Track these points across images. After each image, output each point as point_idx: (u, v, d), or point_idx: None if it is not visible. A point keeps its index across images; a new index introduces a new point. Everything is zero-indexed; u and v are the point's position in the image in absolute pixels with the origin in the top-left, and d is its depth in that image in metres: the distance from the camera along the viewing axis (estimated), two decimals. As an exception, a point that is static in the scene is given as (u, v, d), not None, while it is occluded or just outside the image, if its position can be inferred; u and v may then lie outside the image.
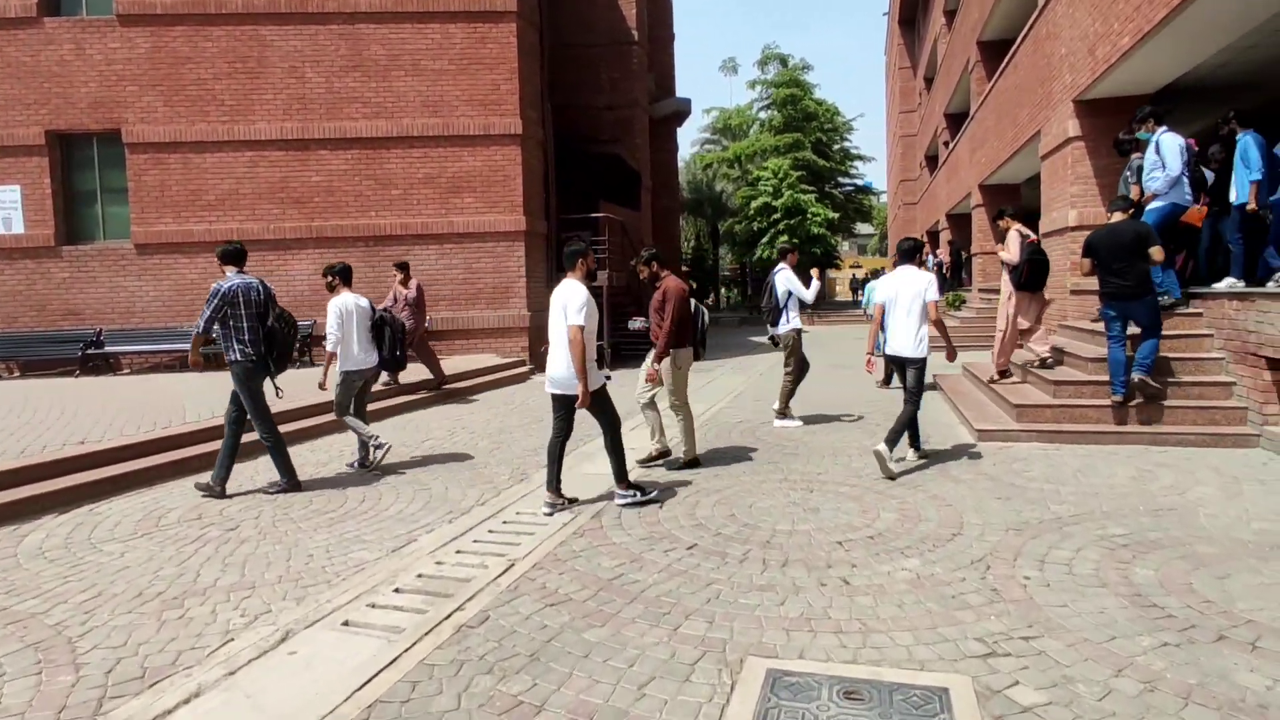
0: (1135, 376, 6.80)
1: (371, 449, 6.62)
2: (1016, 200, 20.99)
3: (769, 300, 8.19)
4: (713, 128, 42.76)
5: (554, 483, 5.34)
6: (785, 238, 28.60)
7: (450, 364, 12.48)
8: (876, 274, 24.82)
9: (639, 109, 20.31)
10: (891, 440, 5.92)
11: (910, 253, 6.31)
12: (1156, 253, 6.45)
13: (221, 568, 4.29)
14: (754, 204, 29.50)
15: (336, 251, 13.20)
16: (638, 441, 7.43)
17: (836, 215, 31.09)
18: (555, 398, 5.38)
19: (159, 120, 12.81)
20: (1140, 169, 8.04)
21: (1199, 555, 3.99)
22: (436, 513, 5.31)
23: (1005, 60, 16.64)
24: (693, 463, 6.46)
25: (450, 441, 7.80)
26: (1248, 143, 7.33)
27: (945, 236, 28.48)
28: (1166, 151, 7.46)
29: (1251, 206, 7.28)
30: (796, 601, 3.59)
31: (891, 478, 5.74)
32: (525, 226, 13.43)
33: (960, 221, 28.09)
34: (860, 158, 37.26)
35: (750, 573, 3.97)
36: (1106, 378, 6.98)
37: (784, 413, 8.35)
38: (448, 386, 10.86)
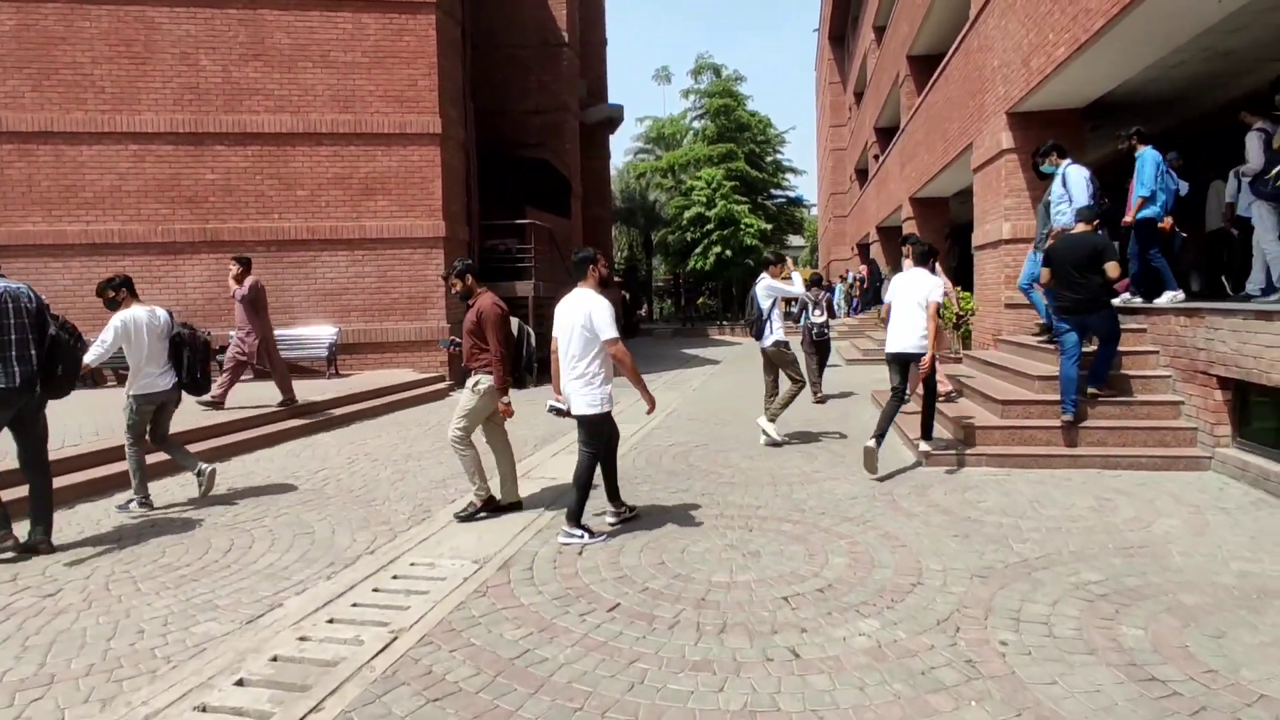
0: (1089, 389, 6.51)
1: (197, 481, 5.86)
2: (946, 214, 21.19)
3: (751, 312, 7.75)
4: (646, 137, 42.42)
5: (612, 495, 5.19)
6: (719, 249, 28.35)
7: (361, 381, 11.49)
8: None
9: (569, 114, 19.64)
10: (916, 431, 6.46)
11: (925, 256, 6.68)
12: (1112, 269, 6.14)
13: (17, 653, 3.38)
14: (687, 214, 29.18)
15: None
16: (557, 470, 6.70)
17: (770, 227, 31.05)
18: (568, 417, 5.07)
19: (26, 107, 11.43)
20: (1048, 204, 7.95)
21: (1185, 607, 3.53)
22: (315, 565, 4.48)
23: (935, 74, 16.66)
24: (514, 505, 5.59)
25: (348, 471, 6.91)
26: (1145, 159, 7.32)
27: (873, 251, 28.74)
28: (1072, 185, 7.48)
29: (1127, 220, 7.47)
30: (738, 685, 2.95)
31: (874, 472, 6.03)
32: (445, 232, 12.56)
33: (890, 234, 28.33)
34: (792, 170, 37.55)
35: (683, 643, 3.31)
36: (1055, 397, 6.64)
37: (773, 419, 7.76)
38: (349, 409, 9.89)
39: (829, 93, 44.49)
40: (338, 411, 9.56)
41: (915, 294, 6.22)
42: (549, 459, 7.34)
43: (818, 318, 10.98)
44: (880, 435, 6.15)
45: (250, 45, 11.99)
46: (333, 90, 12.23)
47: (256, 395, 9.69)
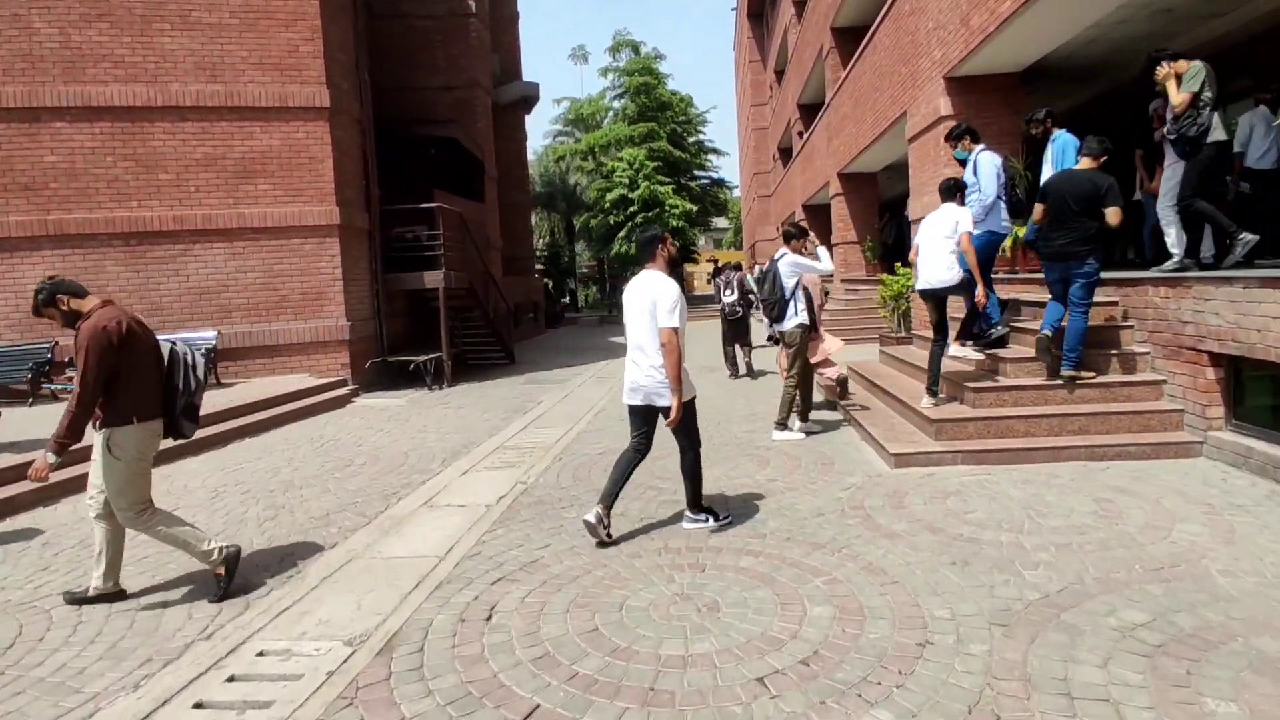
0: (1063, 372, 5.85)
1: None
2: (875, 190, 20.79)
3: (773, 291, 6.78)
4: (565, 119, 41.03)
5: (609, 498, 4.50)
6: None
7: (245, 391, 10.04)
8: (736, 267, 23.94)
9: (480, 90, 18.26)
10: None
11: (950, 191, 6.42)
12: (1113, 214, 5.47)
13: None
14: (609, 196, 28.12)
15: (85, 252, 10.40)
16: (469, 493, 5.61)
17: (695, 208, 30.29)
18: (635, 410, 4.54)
19: None
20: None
21: (1268, 657, 2.75)
22: (125, 664, 3.29)
23: (862, 43, 16.05)
24: (117, 594, 4.01)
25: (208, 510, 5.64)
26: (1066, 141, 6.76)
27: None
28: (983, 174, 6.78)
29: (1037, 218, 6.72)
30: None
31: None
32: (339, 219, 11.14)
33: (818, 212, 28.00)
34: (715, 151, 36.94)
35: (629, 775, 2.32)
36: (1029, 382, 5.94)
37: (784, 423, 6.99)
38: (224, 426, 8.48)
39: (749, 72, 43.99)
40: (210, 431, 8.16)
41: (943, 228, 6.18)
42: (458, 478, 6.23)
43: (728, 298, 11.60)
44: (933, 387, 6.37)
45: (93, 4, 10.26)
46: (196, 56, 10.62)
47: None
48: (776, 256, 7.06)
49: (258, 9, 10.74)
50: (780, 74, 34.83)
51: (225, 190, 10.79)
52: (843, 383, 8.07)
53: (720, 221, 64.66)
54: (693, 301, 32.45)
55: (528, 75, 24.14)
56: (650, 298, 4.31)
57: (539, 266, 35.02)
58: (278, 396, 9.70)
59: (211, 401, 9.11)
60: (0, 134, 10.08)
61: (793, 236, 7.11)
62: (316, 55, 10.99)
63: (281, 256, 11.03)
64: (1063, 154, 6.76)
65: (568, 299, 35.17)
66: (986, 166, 6.76)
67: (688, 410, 4.47)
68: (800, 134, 27.86)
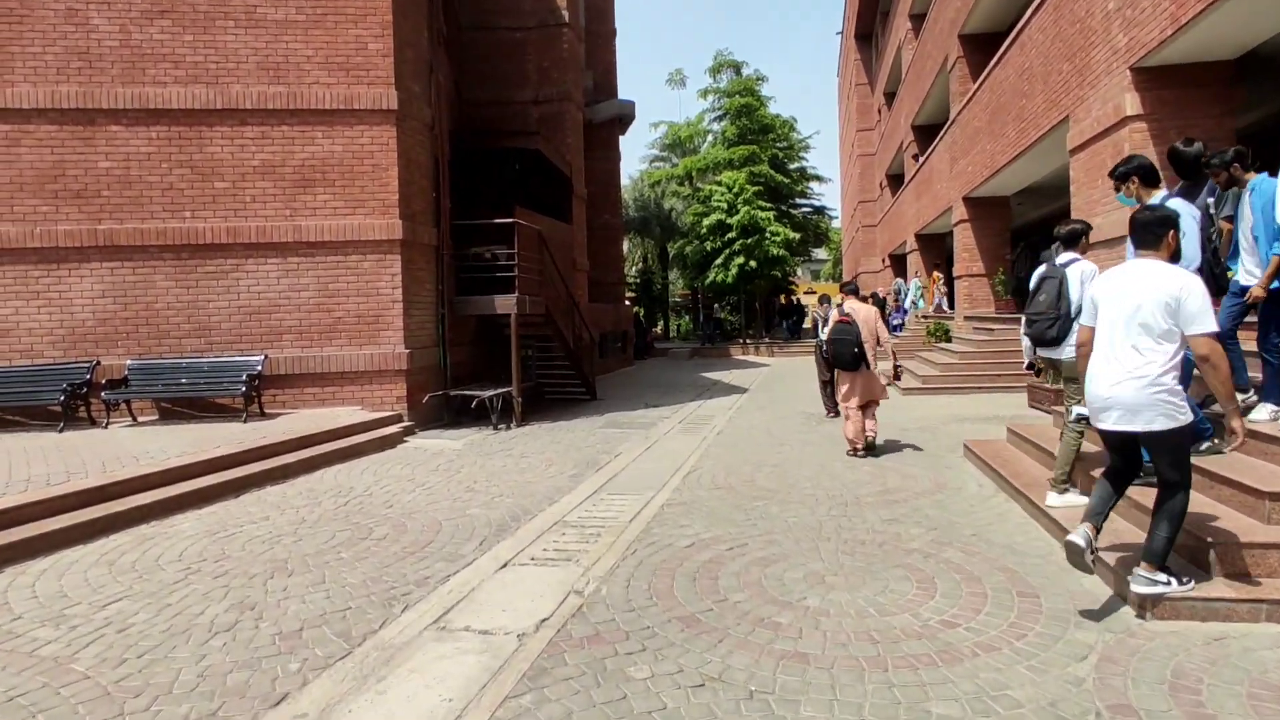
0: None
1: None
2: (1006, 216, 18.35)
3: (1056, 305, 5.08)
4: (661, 144, 39.94)
5: (1097, 516, 3.65)
6: (742, 259, 25.61)
7: (284, 426, 8.84)
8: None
9: (570, 104, 17.09)
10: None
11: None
12: None
13: None
14: (706, 221, 26.49)
15: (134, 265, 9.53)
16: (508, 600, 3.95)
17: (797, 236, 28.28)
18: (1113, 436, 3.60)
19: None
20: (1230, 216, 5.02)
21: None
22: None
23: (1004, 45, 13.91)
24: None
25: (156, 604, 4.19)
26: (1269, 189, 4.58)
27: (911, 261, 25.87)
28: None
29: (1257, 292, 4.65)
30: None
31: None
32: (402, 234, 9.93)
33: (931, 243, 25.57)
34: (818, 178, 34.80)
35: None
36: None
37: (1065, 483, 5.20)
38: (240, 472, 7.18)
39: (855, 96, 41.94)
40: (228, 475, 6.89)
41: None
42: (493, 574, 4.60)
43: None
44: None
45: (156, 0, 9.50)
46: (259, 56, 9.69)
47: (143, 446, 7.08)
48: (1061, 260, 5.24)
49: (326, 3, 9.75)
50: (891, 96, 32.63)
51: (282, 200, 9.77)
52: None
53: (819, 252, 62.12)
54: (790, 336, 30.31)
55: (625, 96, 22.96)
56: (1163, 291, 3.35)
57: (630, 294, 33.74)
58: (315, 435, 8.43)
59: (243, 437, 7.93)
60: (53, 137, 9.38)
61: (1078, 235, 5.30)
62: (386, 54, 9.89)
63: (338, 275, 9.89)
64: (1270, 207, 4.53)
65: (658, 328, 33.72)
66: (1187, 225, 4.38)
67: (1188, 434, 3.53)
68: (915, 157, 25.58)
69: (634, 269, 38.25)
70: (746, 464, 7.56)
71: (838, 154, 62.47)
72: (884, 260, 36.19)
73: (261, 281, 9.75)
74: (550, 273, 12.91)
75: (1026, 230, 21.56)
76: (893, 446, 8.23)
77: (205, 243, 9.61)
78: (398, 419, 9.85)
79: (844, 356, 7.54)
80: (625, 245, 39.94)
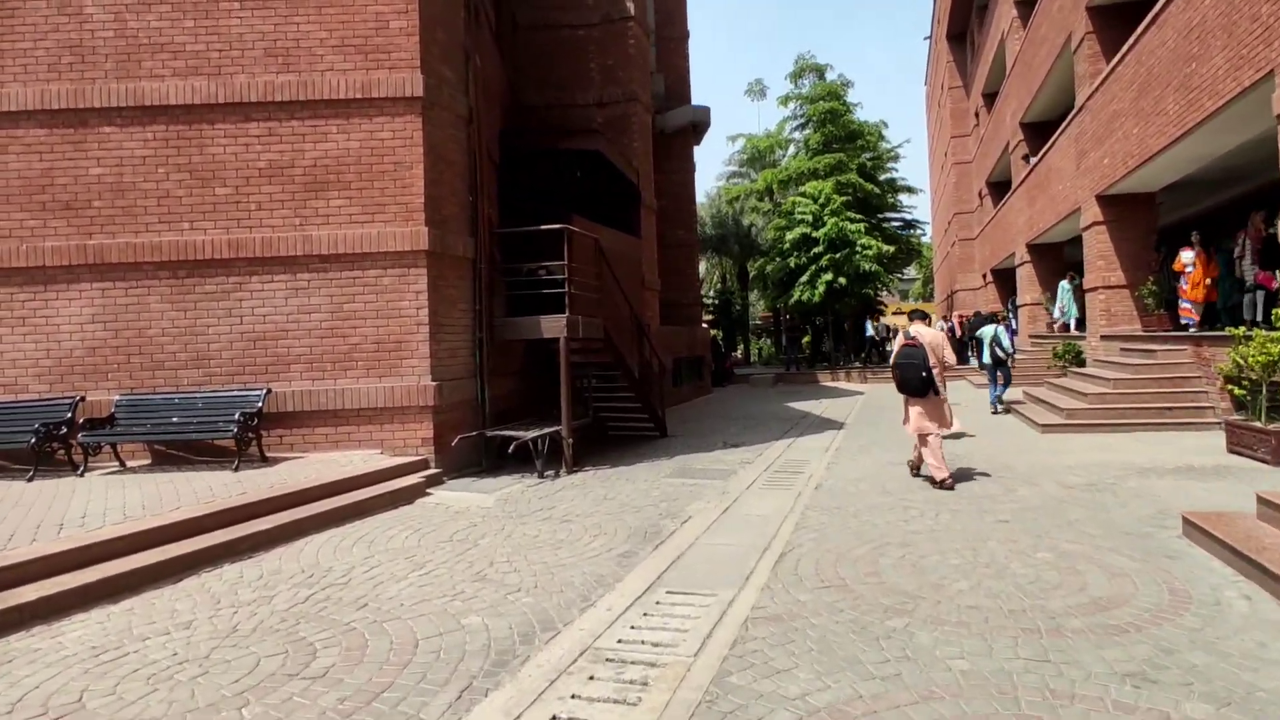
0: None
1: None
2: (1151, 215, 15.51)
3: None
4: (739, 160, 37.99)
5: None
6: (830, 275, 23.26)
7: (291, 472, 7.26)
8: (982, 316, 19.32)
9: (637, 105, 15.41)
10: None
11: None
12: None
13: None
14: (789, 235, 24.31)
15: (127, 286, 8.24)
16: None
17: (891, 249, 25.73)
18: None
19: None
20: None
21: None
22: None
23: (1159, 4, 11.41)
24: None
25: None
26: None
27: (1022, 275, 22.90)
28: None
29: None
30: None
31: None
32: (428, 243, 8.32)
33: (1046, 254, 22.61)
34: (909, 189, 32.02)
35: None
36: None
37: None
38: (227, 534, 5.53)
39: (948, 100, 39.07)
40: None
41: None
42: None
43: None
44: None
45: (154, -18, 8.30)
46: (266, 41, 8.33)
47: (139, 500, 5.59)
48: None
49: (342, -24, 8.34)
50: (991, 97, 29.77)
51: (291, 207, 8.32)
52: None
53: (908, 270, 58.59)
54: (879, 359, 27.59)
55: (698, 104, 21.28)
56: None
57: (707, 316, 31.77)
58: (310, 490, 6.79)
59: (221, 493, 6.37)
60: (42, 142, 8.23)
61: None
62: (410, 32, 8.37)
63: (354, 293, 8.35)
64: None
65: (739, 352, 31.59)
66: None
67: None
68: (1025, 158, 22.75)
69: (711, 290, 36.26)
70: (862, 541, 5.44)
71: (926, 166, 59.14)
72: (984, 277, 33.05)
73: (267, 302, 8.30)
74: (612, 291, 11.11)
75: (1167, 234, 18.47)
76: (1063, 515, 5.94)
77: (204, 258, 8.24)
78: (422, 465, 8.17)
79: (911, 382, 7.22)
80: (702, 266, 38.07)
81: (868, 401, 16.64)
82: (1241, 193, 14.97)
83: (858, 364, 26.71)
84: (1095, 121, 15.38)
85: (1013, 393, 14.40)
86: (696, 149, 26.21)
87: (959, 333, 23.72)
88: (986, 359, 13.79)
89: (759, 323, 33.37)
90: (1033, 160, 21.65)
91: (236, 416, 7.57)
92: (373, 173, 8.36)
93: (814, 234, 23.68)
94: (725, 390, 22.10)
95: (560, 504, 7.19)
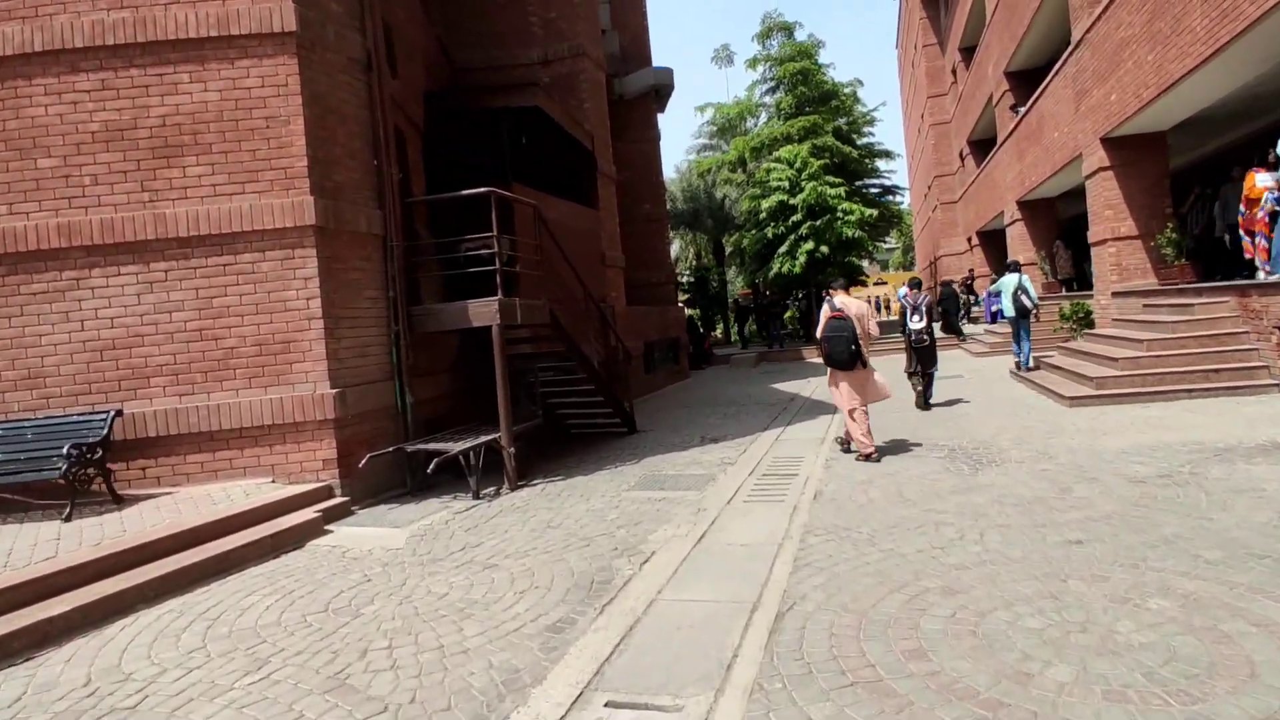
0: None
1: None
2: (1164, 159, 14.04)
3: None
4: (709, 132, 36.25)
5: None
6: (811, 244, 21.70)
7: (145, 518, 5.59)
8: (951, 283, 17.77)
9: (586, 60, 13.69)
10: None
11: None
12: None
13: None
14: (765, 204, 22.69)
15: (-69, 290, 6.46)
16: None
17: (874, 213, 24.19)
18: None
19: None
20: None
21: None
22: None
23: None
24: None
25: None
26: None
27: (1013, 234, 21.45)
28: None
29: None
30: None
31: None
32: (316, 217, 6.62)
33: (1039, 210, 21.19)
34: (886, 153, 30.28)
35: None
36: None
37: None
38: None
39: (923, 59, 37.58)
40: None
41: None
42: None
43: (916, 324, 10.10)
44: None
45: (-58, -100, 6.48)
46: (91, -32, 6.57)
47: None
48: None
49: (184, -118, 6.56)
50: (969, 52, 28.25)
51: (136, 179, 6.58)
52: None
53: (888, 239, 57.21)
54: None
55: (660, 65, 19.50)
56: None
57: (683, 296, 30.14)
58: (154, 544, 5.14)
59: (40, 550, 4.72)
60: None
61: None
62: (276, -51, 6.63)
63: (224, 284, 6.64)
64: None
65: (718, 332, 29.96)
66: None
67: None
68: (1014, 109, 21.24)
69: (687, 268, 34.63)
70: (889, 586, 3.88)
71: (901, 133, 57.64)
72: (970, 240, 31.70)
73: (114, 302, 6.57)
74: (562, 270, 9.46)
75: (1187, 175, 16.97)
76: (1153, 528, 4.41)
77: (28, 249, 6.50)
78: (323, 494, 6.52)
79: (840, 355, 7.05)
80: (676, 244, 36.32)
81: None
82: (1262, 127, 13.52)
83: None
84: (1097, 56, 13.85)
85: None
86: (661, 117, 24.48)
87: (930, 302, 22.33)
88: (1009, 311, 12.31)
89: (739, 300, 31.84)
90: (1021, 110, 20.16)
91: (65, 450, 5.86)
92: (239, 131, 6.63)
93: (791, 201, 22.09)
94: (704, 373, 20.53)
95: (490, 538, 5.58)
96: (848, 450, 7.51)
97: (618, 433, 10.39)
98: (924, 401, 10.16)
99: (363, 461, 6.70)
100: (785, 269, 22.20)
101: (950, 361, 15.63)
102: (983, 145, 28.74)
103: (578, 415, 10.46)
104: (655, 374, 16.56)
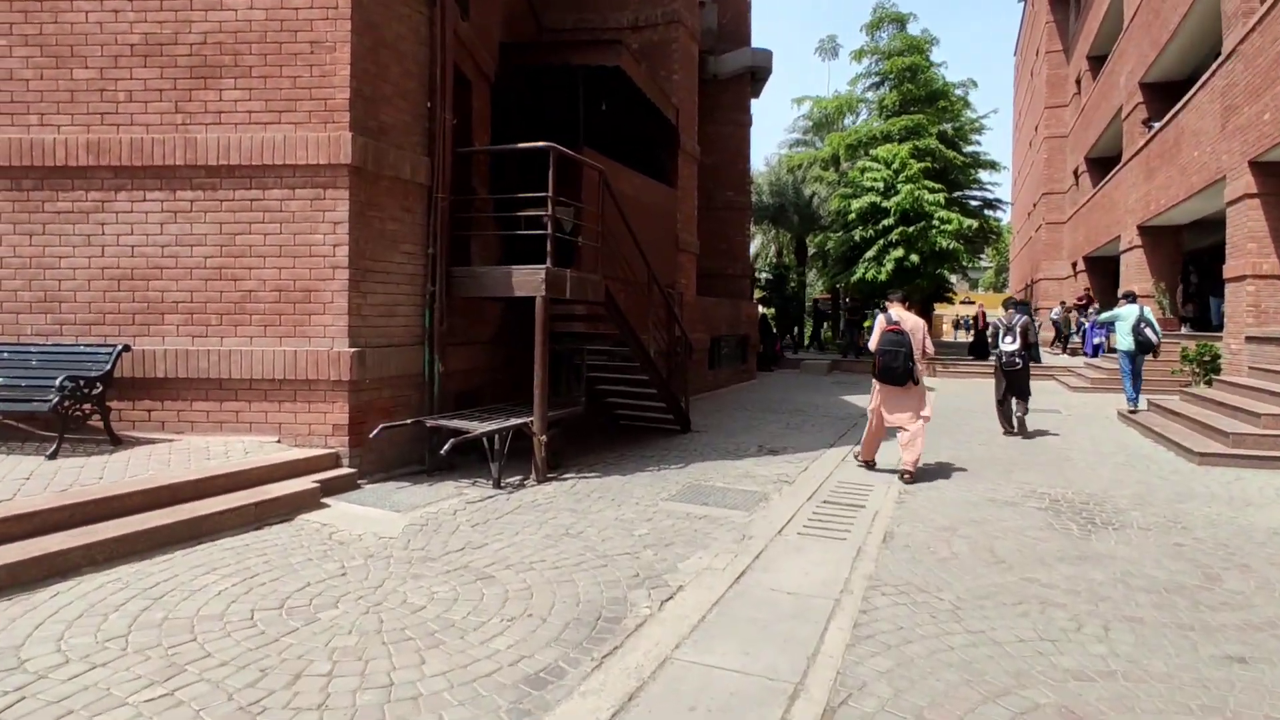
0: None
1: None
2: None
3: None
4: (804, 127, 34.73)
5: None
6: (900, 252, 20.23)
7: (123, 462, 5.06)
8: (1018, 302, 16.21)
9: (680, 28, 12.77)
10: None
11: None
12: None
13: None
14: (856, 204, 21.29)
15: (-45, 199, 6.10)
16: None
17: (974, 224, 22.47)
18: None
19: None
20: None
21: None
22: None
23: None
24: None
25: None
26: None
27: (1129, 262, 19.45)
28: None
29: None
30: None
31: None
32: (352, 156, 5.96)
33: (1162, 237, 19.19)
34: (992, 164, 28.04)
35: None
36: None
37: None
38: None
39: (1045, 67, 35.14)
40: None
41: None
42: None
43: (1008, 345, 9.44)
44: None
45: None
46: None
47: None
48: None
49: None
50: (1099, 60, 25.99)
51: (171, 99, 6.05)
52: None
53: (980, 257, 54.14)
54: (944, 348, 24.43)
55: (759, 47, 18.44)
56: None
57: (759, 293, 28.94)
58: (124, 497, 4.57)
59: (33, 484, 4.18)
60: None
61: None
62: None
63: (250, 220, 6.06)
64: None
65: (795, 334, 28.59)
66: None
67: None
68: (1147, 124, 19.25)
69: (766, 264, 33.34)
70: (986, 695, 2.90)
71: (1010, 145, 54.42)
72: (1074, 265, 29.44)
73: (137, 229, 6.08)
74: (628, 247, 8.62)
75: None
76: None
77: (56, 164, 6.05)
78: (329, 461, 5.90)
79: (896, 370, 6.73)
80: (758, 239, 34.99)
81: (943, 402, 13.83)
82: None
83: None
84: (1250, 70, 12.14)
85: (1122, 400, 11.48)
86: (755, 104, 23.28)
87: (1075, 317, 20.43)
88: (1125, 345, 10.87)
89: (817, 302, 30.38)
90: (1156, 125, 18.22)
91: (59, 381, 5.38)
92: (282, 55, 6.01)
93: (884, 203, 20.64)
94: (771, 376, 19.43)
95: (497, 539, 4.81)
96: (872, 468, 7.23)
97: (669, 429, 9.53)
98: (1017, 428, 9.57)
99: (374, 432, 6.03)
100: (870, 275, 20.79)
101: (1044, 395, 14.14)
102: (1102, 164, 26.51)
103: (628, 406, 9.64)
104: (719, 371, 15.59)
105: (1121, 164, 21.46)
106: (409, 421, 6.40)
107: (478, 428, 6.17)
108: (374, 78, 6.22)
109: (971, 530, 5.18)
